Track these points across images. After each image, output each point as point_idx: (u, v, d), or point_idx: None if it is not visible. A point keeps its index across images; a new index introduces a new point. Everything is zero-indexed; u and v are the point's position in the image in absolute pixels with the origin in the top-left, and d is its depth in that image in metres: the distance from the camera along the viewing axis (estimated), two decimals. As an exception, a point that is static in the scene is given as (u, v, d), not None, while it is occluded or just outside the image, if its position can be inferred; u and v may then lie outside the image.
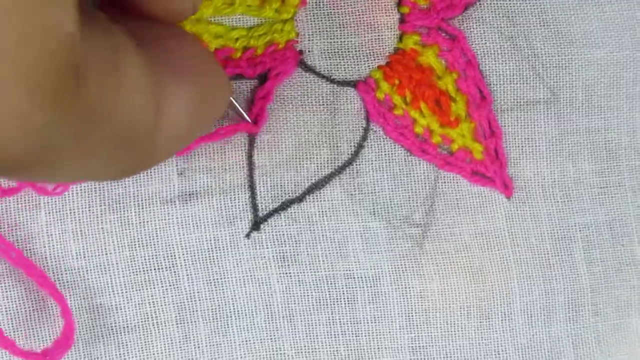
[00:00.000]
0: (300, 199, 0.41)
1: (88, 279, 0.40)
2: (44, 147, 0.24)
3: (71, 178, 0.28)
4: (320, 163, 0.41)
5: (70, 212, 0.40)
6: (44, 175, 0.26)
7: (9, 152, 0.23)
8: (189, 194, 0.40)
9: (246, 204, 0.41)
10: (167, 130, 0.29)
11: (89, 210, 0.40)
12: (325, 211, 0.41)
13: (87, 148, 0.26)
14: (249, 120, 0.40)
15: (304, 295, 0.41)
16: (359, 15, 0.42)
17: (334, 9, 0.41)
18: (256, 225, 0.41)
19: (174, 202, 0.40)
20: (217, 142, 0.41)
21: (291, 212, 0.41)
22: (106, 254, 0.40)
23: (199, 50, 0.32)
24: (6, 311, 0.39)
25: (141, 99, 0.27)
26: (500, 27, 0.42)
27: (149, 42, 0.28)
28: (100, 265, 0.40)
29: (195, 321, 0.41)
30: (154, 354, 0.41)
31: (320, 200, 0.41)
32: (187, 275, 0.41)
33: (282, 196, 0.41)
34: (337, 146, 0.41)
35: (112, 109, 0.25)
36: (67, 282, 0.40)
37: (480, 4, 0.42)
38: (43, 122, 0.23)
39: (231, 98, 0.39)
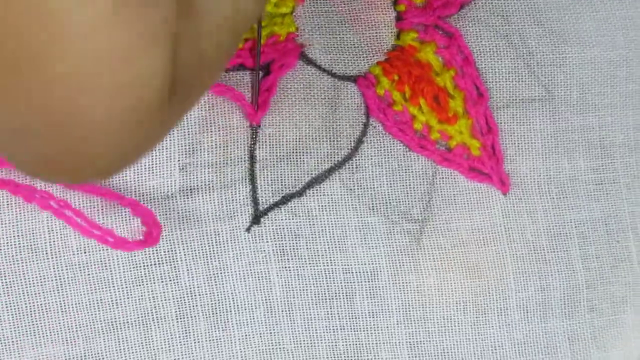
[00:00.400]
0: (300, 193, 0.41)
1: (88, 274, 0.40)
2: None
3: None
4: (320, 158, 0.42)
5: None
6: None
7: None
8: (190, 189, 0.40)
9: (247, 198, 0.41)
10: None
11: (90, 205, 0.40)
12: (325, 206, 0.42)
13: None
14: (255, 106, 0.40)
15: (303, 290, 0.42)
16: (356, 13, 0.42)
17: (331, 7, 0.42)
18: (257, 219, 0.41)
19: (175, 196, 0.40)
20: (219, 137, 0.41)
21: (291, 207, 0.41)
22: (106, 249, 0.40)
23: None
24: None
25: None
26: (496, 26, 0.43)
27: None
28: (101, 260, 0.40)
29: (195, 316, 0.41)
30: (154, 349, 0.40)
31: (320, 195, 0.42)
32: (187, 270, 0.41)
33: (282, 190, 0.41)
34: (337, 141, 0.42)
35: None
36: (68, 277, 0.40)
37: (475, 3, 0.43)
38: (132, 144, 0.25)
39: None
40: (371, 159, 0.42)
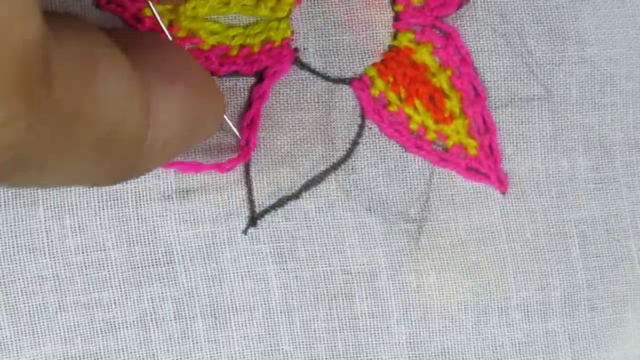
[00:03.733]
0: (296, 196, 0.42)
1: (86, 274, 0.40)
2: (22, 152, 0.24)
3: (58, 182, 0.28)
4: (316, 160, 0.42)
5: (69, 208, 0.40)
6: (29, 180, 0.26)
7: None
8: (186, 190, 0.41)
9: (243, 200, 0.41)
10: (158, 133, 0.29)
11: (87, 206, 0.40)
12: (322, 207, 0.42)
13: (69, 150, 0.26)
14: (240, 137, 0.41)
15: (302, 291, 0.42)
16: (354, 13, 0.42)
17: (328, 7, 0.42)
18: (253, 221, 0.41)
19: (172, 198, 0.41)
20: (215, 139, 0.41)
21: (288, 209, 0.42)
22: (104, 249, 0.40)
23: (192, 61, 0.32)
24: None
25: (124, 100, 0.27)
26: (494, 25, 0.43)
27: (138, 49, 0.29)
28: (98, 261, 0.40)
29: (193, 317, 0.41)
30: (152, 349, 0.41)
31: (317, 197, 0.42)
32: (185, 271, 0.41)
33: (278, 193, 0.41)
34: (332, 143, 0.42)
35: (91, 109, 0.26)
36: (66, 277, 0.40)
37: (473, 1, 0.43)
38: (17, 128, 0.23)
39: (225, 117, 0.39)
40: (367, 160, 0.42)
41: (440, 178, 0.43)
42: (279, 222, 0.41)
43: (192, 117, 0.31)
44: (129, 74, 0.27)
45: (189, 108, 0.30)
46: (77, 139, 0.26)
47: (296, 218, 0.42)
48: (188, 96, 0.30)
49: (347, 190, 0.42)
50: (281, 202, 0.41)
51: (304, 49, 0.42)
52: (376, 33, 0.42)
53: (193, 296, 0.41)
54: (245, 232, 0.41)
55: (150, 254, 0.41)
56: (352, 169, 0.42)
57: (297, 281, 0.42)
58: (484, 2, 0.43)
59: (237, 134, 0.40)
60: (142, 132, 0.28)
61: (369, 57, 0.42)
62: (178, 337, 0.41)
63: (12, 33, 0.22)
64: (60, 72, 0.24)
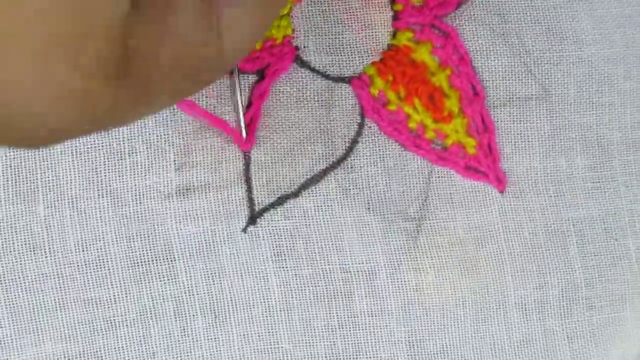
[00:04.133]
0: (295, 194, 0.42)
1: (86, 271, 0.40)
2: (114, 109, 0.27)
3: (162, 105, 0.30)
4: (316, 158, 0.42)
5: (69, 206, 0.40)
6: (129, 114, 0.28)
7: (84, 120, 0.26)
8: (186, 189, 0.41)
9: (243, 199, 0.41)
10: (231, 45, 0.29)
11: (88, 203, 0.40)
12: (321, 206, 0.42)
13: (157, 94, 0.28)
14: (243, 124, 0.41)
15: (301, 289, 0.42)
16: (353, 12, 0.42)
17: (328, 6, 0.42)
18: (252, 219, 0.41)
19: (172, 196, 0.41)
20: (214, 138, 0.41)
21: (287, 207, 0.42)
22: (104, 247, 0.40)
23: None
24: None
25: (197, 31, 0.28)
26: (492, 25, 0.43)
27: None
28: (99, 259, 0.40)
29: (193, 315, 0.41)
30: (152, 347, 0.41)
31: (316, 195, 0.42)
32: (185, 269, 0.41)
33: (277, 191, 0.42)
34: (332, 142, 0.42)
35: (167, 59, 0.28)
36: (66, 274, 0.40)
37: (472, 1, 0.43)
38: (102, 100, 0.26)
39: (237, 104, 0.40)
40: (366, 158, 0.42)
41: (439, 177, 0.43)
42: (278, 220, 0.42)
43: (262, 25, 0.31)
44: (201, 4, 0.28)
45: (260, 16, 0.31)
46: (162, 85, 0.28)
47: (295, 216, 0.42)
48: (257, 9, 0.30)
49: (347, 189, 0.42)
50: (281, 201, 0.42)
51: (305, 47, 0.42)
52: (375, 32, 0.42)
53: (193, 294, 0.41)
54: (245, 230, 0.41)
55: (150, 252, 0.41)
56: (352, 167, 0.42)
57: (296, 279, 0.42)
58: (482, 1, 0.43)
59: (242, 123, 0.41)
60: (218, 50, 0.29)
61: (369, 56, 0.42)
62: (178, 335, 0.41)
63: (99, 16, 0.24)
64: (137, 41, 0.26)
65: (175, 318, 0.41)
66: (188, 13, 0.28)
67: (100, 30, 0.25)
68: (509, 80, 0.43)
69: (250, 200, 0.41)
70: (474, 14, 0.43)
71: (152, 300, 0.41)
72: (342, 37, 0.42)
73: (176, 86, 0.29)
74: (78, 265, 0.40)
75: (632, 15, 0.44)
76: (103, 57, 0.25)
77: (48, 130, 0.26)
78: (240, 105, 0.41)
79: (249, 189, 0.41)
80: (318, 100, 0.42)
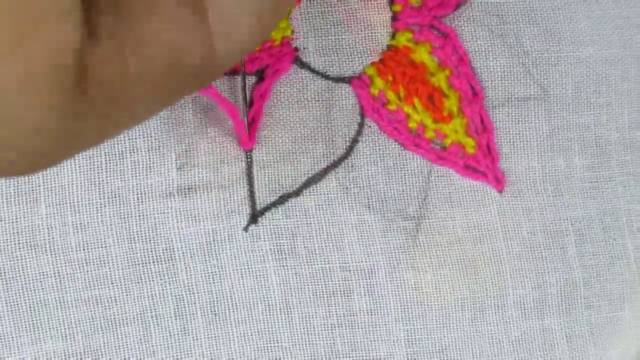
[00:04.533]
0: (297, 193, 0.42)
1: (87, 271, 0.40)
2: (77, 128, 0.25)
3: (140, 119, 0.29)
4: (316, 158, 0.42)
5: (70, 205, 0.40)
6: (113, 128, 0.27)
7: (36, 150, 0.25)
8: (188, 188, 0.41)
9: (244, 198, 0.41)
10: (225, 42, 0.28)
11: (89, 203, 0.40)
12: (321, 205, 0.42)
13: (128, 107, 0.27)
14: (246, 120, 0.41)
15: (301, 288, 0.42)
16: (353, 13, 0.42)
17: (327, 7, 0.42)
18: (254, 218, 0.42)
19: (173, 195, 0.41)
20: (216, 137, 0.41)
21: (288, 206, 0.42)
22: (105, 246, 0.40)
23: None
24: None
25: (179, 34, 0.27)
26: (491, 26, 0.43)
27: None
28: (100, 258, 0.40)
29: (193, 313, 0.41)
30: (152, 346, 0.41)
31: (317, 194, 0.42)
32: (186, 268, 0.41)
33: (279, 190, 0.42)
34: (332, 141, 0.42)
35: (139, 66, 0.26)
36: (67, 274, 0.40)
37: (470, 2, 0.43)
38: (62, 118, 0.25)
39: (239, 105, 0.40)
40: (367, 158, 0.42)
41: (438, 176, 0.43)
42: (279, 219, 0.42)
43: (258, 13, 0.29)
44: (179, 6, 0.27)
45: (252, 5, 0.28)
46: (132, 98, 0.26)
47: (296, 215, 0.42)
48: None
49: (347, 188, 0.42)
50: (282, 200, 0.42)
51: (304, 48, 0.42)
52: (375, 33, 0.43)
53: (193, 293, 0.41)
54: (246, 229, 0.41)
55: (151, 251, 0.41)
56: (352, 166, 0.42)
57: (296, 278, 0.42)
58: (481, 3, 0.43)
59: (245, 119, 0.41)
60: (208, 51, 0.28)
61: (368, 57, 0.42)
62: (178, 334, 0.41)
63: (50, 33, 0.23)
64: (95, 60, 0.25)
65: (176, 317, 0.41)
66: (167, 16, 0.26)
67: (51, 55, 0.23)
68: (507, 80, 0.44)
69: (252, 199, 0.42)
70: (472, 15, 0.43)
71: (153, 299, 0.41)
72: (342, 38, 0.42)
73: (152, 97, 0.27)
74: (79, 264, 0.40)
75: (630, 16, 0.45)
76: (57, 82, 0.24)
77: (8, 163, 0.25)
78: (244, 105, 0.41)
79: (251, 188, 0.41)
80: (318, 100, 0.42)
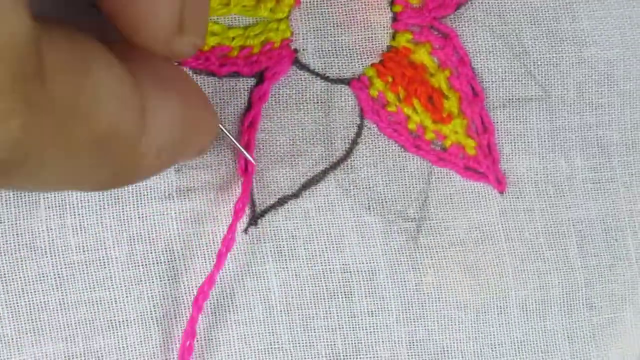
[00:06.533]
0: (296, 195, 0.42)
1: (87, 272, 0.40)
2: (17, 150, 0.24)
3: (55, 185, 0.29)
4: (316, 159, 0.42)
5: (70, 207, 0.40)
6: (26, 181, 0.27)
7: None
8: (187, 189, 0.41)
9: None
10: (152, 139, 0.29)
11: (88, 204, 0.40)
12: (321, 206, 0.42)
13: (65, 149, 0.26)
14: (246, 153, 0.41)
15: (301, 290, 0.42)
16: (352, 14, 0.42)
17: (327, 9, 0.42)
18: (254, 220, 0.42)
19: (172, 197, 0.41)
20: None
21: (288, 208, 0.42)
22: (105, 248, 0.40)
23: (186, 75, 0.33)
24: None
25: (119, 101, 0.27)
26: (492, 26, 0.43)
27: (132, 57, 0.29)
28: (99, 260, 0.40)
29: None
30: (152, 347, 0.41)
31: (316, 196, 0.42)
32: (186, 269, 0.41)
33: (278, 192, 0.42)
34: (332, 143, 0.42)
35: (86, 108, 0.26)
36: (67, 275, 0.40)
37: (471, 3, 0.43)
38: (11, 126, 0.24)
39: (222, 127, 0.40)
40: (366, 159, 0.42)
41: (438, 178, 0.43)
42: (279, 221, 0.42)
43: (185, 126, 0.31)
44: (123, 77, 0.28)
45: (182, 116, 0.31)
46: (73, 138, 0.26)
47: (296, 217, 0.42)
48: (181, 104, 0.31)
49: (347, 190, 0.42)
50: (282, 202, 0.42)
51: (303, 49, 0.42)
52: (375, 34, 0.43)
53: (193, 295, 0.41)
54: (246, 231, 0.42)
55: (151, 253, 0.41)
56: (352, 168, 0.42)
57: (296, 280, 0.42)
58: (481, 3, 0.43)
59: (242, 150, 0.41)
60: (136, 135, 0.29)
61: (368, 58, 0.42)
62: (178, 336, 0.41)
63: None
64: (52, 68, 0.25)
65: (176, 319, 0.41)
66: (107, 80, 0.27)
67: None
68: (508, 81, 0.43)
69: (252, 201, 0.42)
70: (473, 16, 0.43)
71: (153, 300, 0.41)
72: (341, 39, 0.42)
73: (95, 153, 0.27)
74: (79, 266, 0.40)
75: (632, 16, 0.45)
76: (12, 68, 0.23)
77: None
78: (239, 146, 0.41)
79: (251, 190, 0.42)
80: (318, 102, 0.42)
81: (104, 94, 0.27)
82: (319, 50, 0.42)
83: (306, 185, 0.42)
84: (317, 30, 0.42)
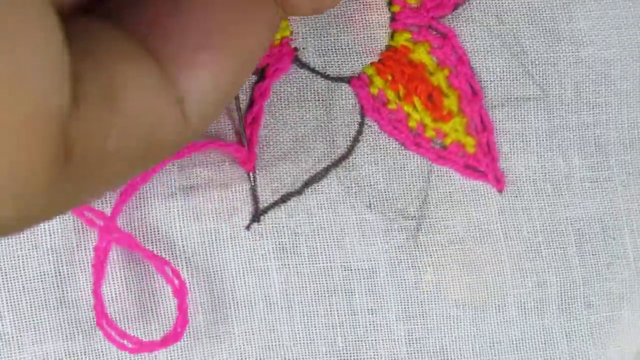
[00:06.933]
0: (299, 192, 0.42)
1: (88, 270, 0.40)
2: (49, 209, 0.25)
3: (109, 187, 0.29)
4: (317, 157, 0.42)
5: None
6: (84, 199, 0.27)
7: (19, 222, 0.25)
8: (190, 187, 0.41)
9: (246, 197, 0.42)
10: (195, 109, 0.28)
11: (91, 203, 0.40)
12: (323, 204, 0.42)
13: (102, 182, 0.27)
14: (244, 141, 0.41)
15: (302, 287, 0.42)
16: (351, 14, 0.43)
17: (327, 8, 0.42)
18: (256, 217, 0.42)
19: (175, 194, 0.41)
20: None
21: (290, 205, 0.42)
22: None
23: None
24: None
25: (154, 110, 0.27)
26: (490, 26, 0.43)
27: (154, 24, 0.28)
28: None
29: (194, 312, 0.41)
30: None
31: (318, 193, 0.42)
32: (187, 266, 0.41)
33: (281, 189, 0.42)
34: (333, 140, 0.42)
35: (116, 143, 0.26)
36: (68, 274, 0.40)
37: (469, 3, 0.43)
38: (41, 193, 0.24)
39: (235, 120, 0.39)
40: (367, 157, 0.43)
41: (438, 176, 0.43)
42: (281, 218, 0.42)
43: (229, 74, 0.29)
44: (154, 80, 0.27)
45: (223, 69, 0.29)
46: (109, 172, 0.26)
47: (299, 214, 0.42)
48: (218, 60, 0.28)
49: (348, 187, 0.42)
50: (284, 199, 0.42)
51: (303, 48, 0.42)
52: (373, 33, 0.43)
53: (194, 291, 0.41)
54: (248, 228, 0.42)
55: (153, 250, 0.41)
56: (353, 166, 0.42)
57: (297, 277, 0.42)
58: (479, 3, 0.43)
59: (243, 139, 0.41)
60: (180, 124, 0.28)
61: (367, 57, 0.43)
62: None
63: (37, 106, 0.22)
64: (78, 132, 0.24)
65: (172, 313, 0.41)
66: (139, 93, 0.26)
67: (39, 125, 0.22)
68: (506, 80, 0.44)
69: (255, 198, 0.42)
70: (471, 16, 0.43)
71: (154, 297, 0.41)
72: (341, 39, 0.42)
73: (126, 169, 0.27)
74: (80, 264, 0.40)
75: (629, 16, 0.45)
76: (42, 154, 0.23)
77: None
78: (242, 130, 0.41)
79: (253, 187, 0.42)
80: (318, 100, 0.42)
81: (137, 112, 0.26)
82: (318, 49, 0.42)
83: (308, 183, 0.42)
84: (317, 29, 0.42)
